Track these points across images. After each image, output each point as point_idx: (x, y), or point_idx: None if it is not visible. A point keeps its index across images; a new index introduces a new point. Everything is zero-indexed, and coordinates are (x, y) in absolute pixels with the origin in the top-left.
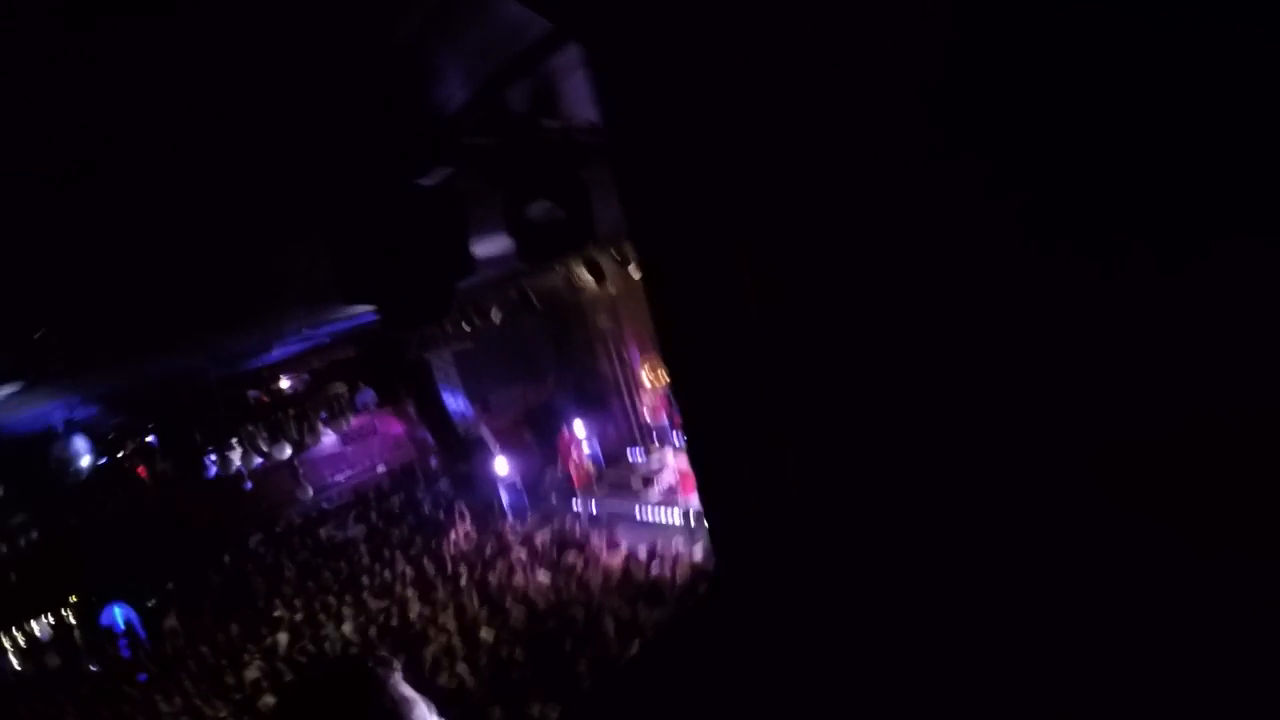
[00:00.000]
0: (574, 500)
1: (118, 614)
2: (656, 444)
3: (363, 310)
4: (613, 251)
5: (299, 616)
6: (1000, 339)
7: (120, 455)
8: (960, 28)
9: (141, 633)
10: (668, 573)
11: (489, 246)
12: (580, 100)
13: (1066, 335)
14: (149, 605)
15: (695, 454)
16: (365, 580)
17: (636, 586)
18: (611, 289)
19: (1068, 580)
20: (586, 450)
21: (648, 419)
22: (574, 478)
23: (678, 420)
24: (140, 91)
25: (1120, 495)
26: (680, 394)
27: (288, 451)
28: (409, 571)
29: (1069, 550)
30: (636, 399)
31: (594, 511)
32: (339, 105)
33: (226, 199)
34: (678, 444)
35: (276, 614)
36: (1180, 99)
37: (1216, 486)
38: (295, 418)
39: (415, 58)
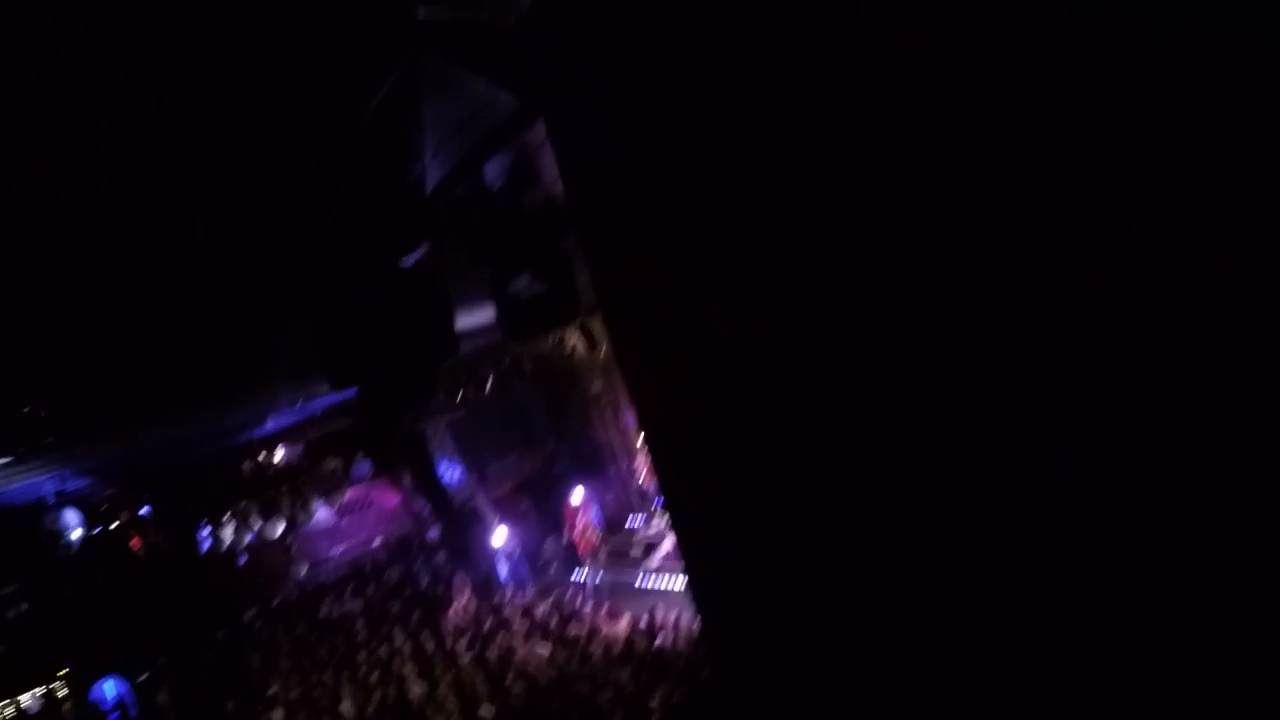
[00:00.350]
0: (574, 570)
1: (109, 688)
2: (656, 510)
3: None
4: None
5: (294, 694)
6: (1006, 341)
7: (113, 526)
8: (963, 29)
9: (133, 709)
10: (670, 643)
11: (478, 317)
12: (553, 169)
13: (1070, 337)
14: (141, 680)
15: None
16: (363, 656)
17: (639, 658)
18: (603, 354)
19: (1072, 582)
20: (591, 517)
21: (646, 484)
22: (579, 546)
23: None
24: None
25: (1124, 497)
26: (658, 462)
27: (280, 529)
28: (407, 647)
29: (1074, 552)
30: (633, 464)
31: (596, 580)
32: (315, 188)
33: (214, 279)
34: None
35: (271, 692)
36: (1182, 100)
37: (1220, 488)
38: (289, 494)
39: (388, 138)
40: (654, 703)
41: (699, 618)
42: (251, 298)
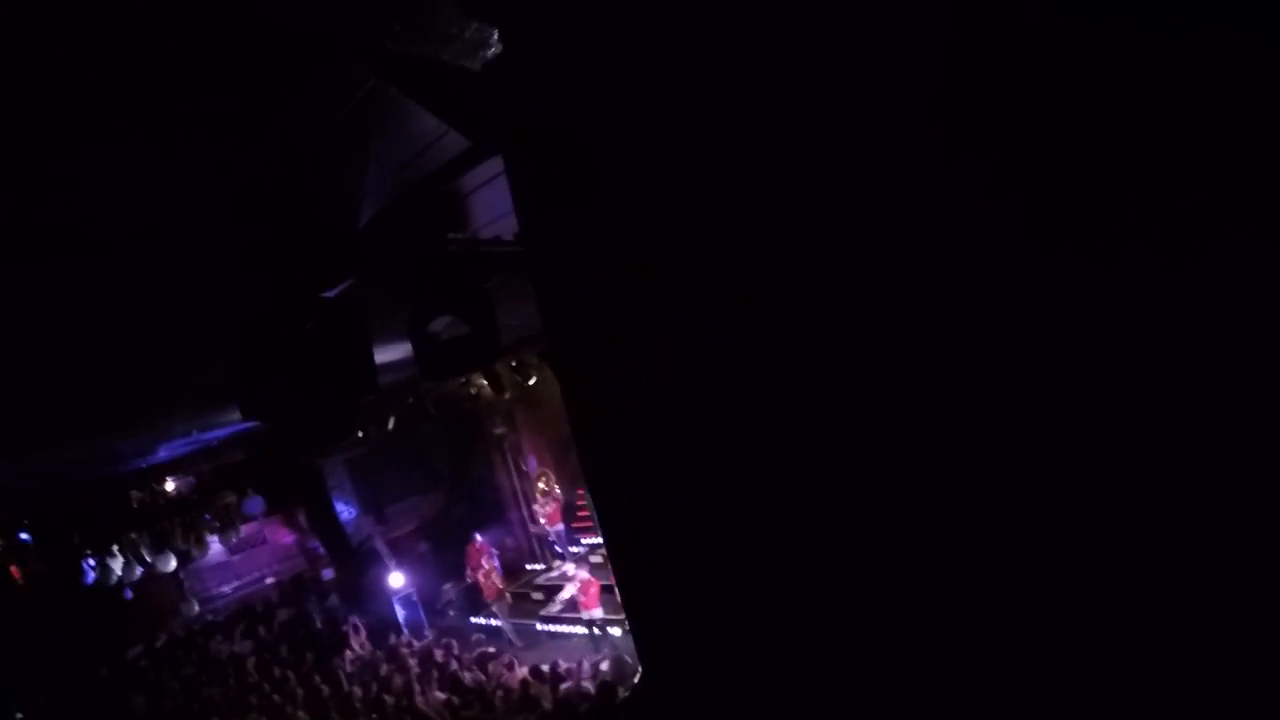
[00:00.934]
0: (473, 614)
1: None
2: (556, 556)
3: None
4: (511, 361)
5: None
6: (999, 341)
7: None
8: (959, 28)
9: None
10: (574, 687)
11: (386, 354)
12: (487, 213)
13: (1065, 337)
14: (16, 718)
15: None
16: (254, 700)
17: (540, 704)
18: (507, 396)
19: (1065, 584)
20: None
21: (546, 530)
22: (484, 589)
23: (577, 530)
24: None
25: (1118, 497)
26: (599, 504)
27: (172, 563)
28: (300, 692)
29: (1067, 554)
30: (534, 509)
31: (497, 624)
32: (244, 213)
33: (121, 296)
34: (576, 554)
35: None
36: (1179, 100)
37: (1215, 488)
38: (183, 526)
39: (329, 169)
40: None
41: (637, 653)
42: (159, 319)
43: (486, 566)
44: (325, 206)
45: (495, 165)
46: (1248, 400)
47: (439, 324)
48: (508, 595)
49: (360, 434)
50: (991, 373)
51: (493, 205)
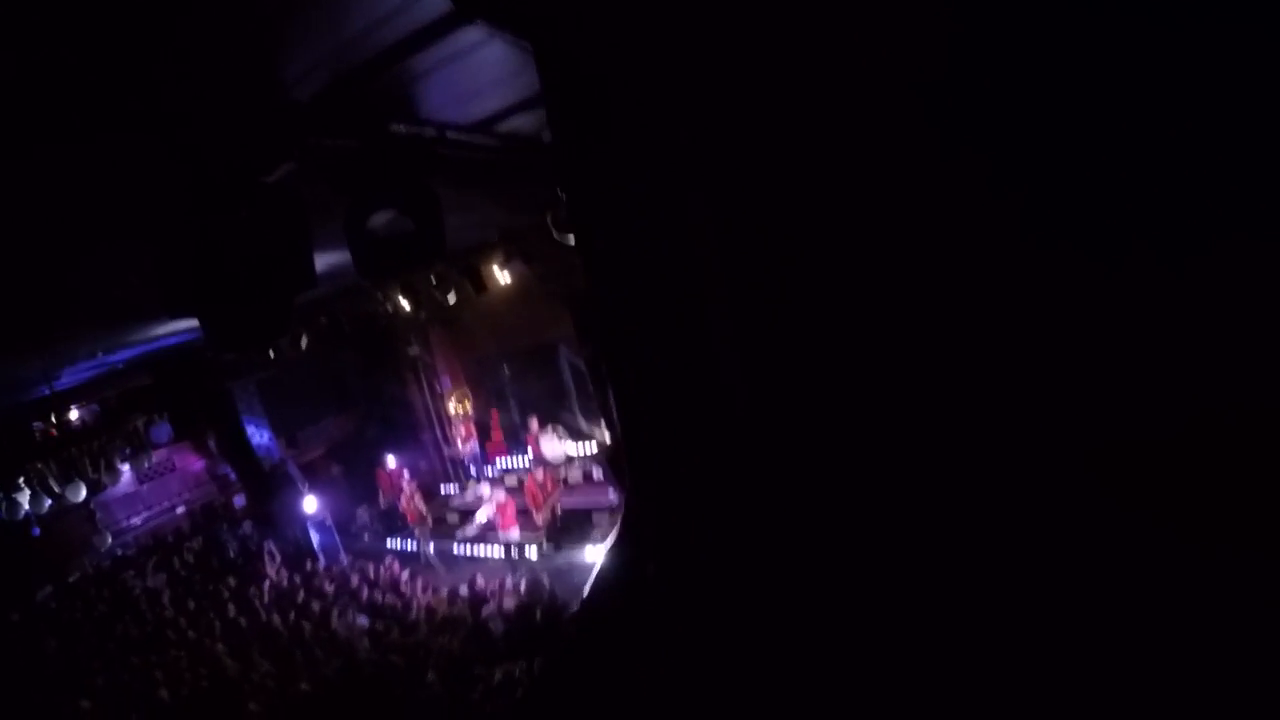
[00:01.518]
0: (388, 538)
1: None
2: (470, 478)
3: (166, 332)
4: (431, 276)
5: (101, 681)
6: (999, 337)
7: None
8: (963, 21)
9: None
10: (493, 609)
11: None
12: (434, 105)
13: (1067, 333)
14: None
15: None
16: (171, 635)
17: (460, 626)
18: (423, 316)
19: (1068, 578)
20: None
21: (461, 452)
22: (407, 514)
23: (491, 452)
24: None
25: (1120, 495)
26: (621, 393)
27: (83, 493)
28: (218, 624)
29: (1069, 548)
30: (449, 431)
31: (426, 548)
32: (168, 68)
33: (15, 199)
34: (491, 477)
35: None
36: (1181, 99)
37: (1216, 486)
38: (91, 454)
39: (270, 32)
40: (495, 673)
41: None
42: (61, 227)
43: (408, 490)
44: (264, 79)
45: (449, 46)
46: (1250, 398)
47: (378, 221)
48: (429, 519)
49: (271, 354)
50: (992, 370)
51: (441, 93)
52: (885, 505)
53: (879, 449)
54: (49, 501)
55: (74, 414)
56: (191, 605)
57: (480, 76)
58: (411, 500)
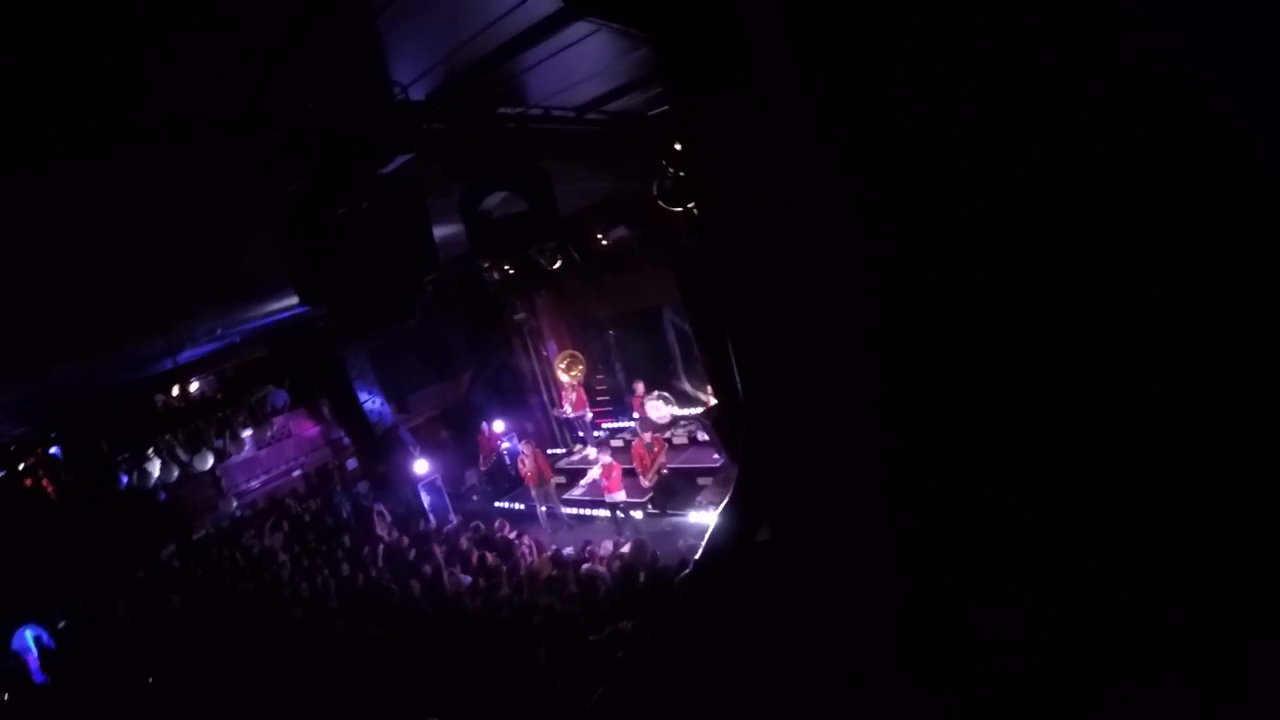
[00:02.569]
0: (497, 500)
1: (29, 636)
2: (578, 440)
3: (280, 307)
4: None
5: (220, 633)
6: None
7: (21, 468)
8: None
9: (55, 655)
10: (595, 568)
11: None
12: (542, 92)
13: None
14: (61, 626)
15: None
16: (287, 593)
17: (565, 586)
18: (528, 281)
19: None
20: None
21: (568, 414)
22: (528, 476)
23: (596, 418)
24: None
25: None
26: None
27: (209, 461)
28: (332, 582)
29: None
30: (555, 395)
31: (520, 507)
32: (289, 90)
33: (143, 194)
34: (598, 439)
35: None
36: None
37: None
38: (216, 425)
39: (384, 41)
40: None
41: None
42: (187, 216)
43: (527, 452)
44: (380, 81)
45: (557, 40)
46: (1251, 397)
47: (492, 201)
48: (551, 481)
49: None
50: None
51: (548, 81)
52: (1010, 489)
53: (1000, 430)
54: (177, 471)
55: (194, 385)
56: (306, 564)
57: (586, 64)
58: (533, 461)
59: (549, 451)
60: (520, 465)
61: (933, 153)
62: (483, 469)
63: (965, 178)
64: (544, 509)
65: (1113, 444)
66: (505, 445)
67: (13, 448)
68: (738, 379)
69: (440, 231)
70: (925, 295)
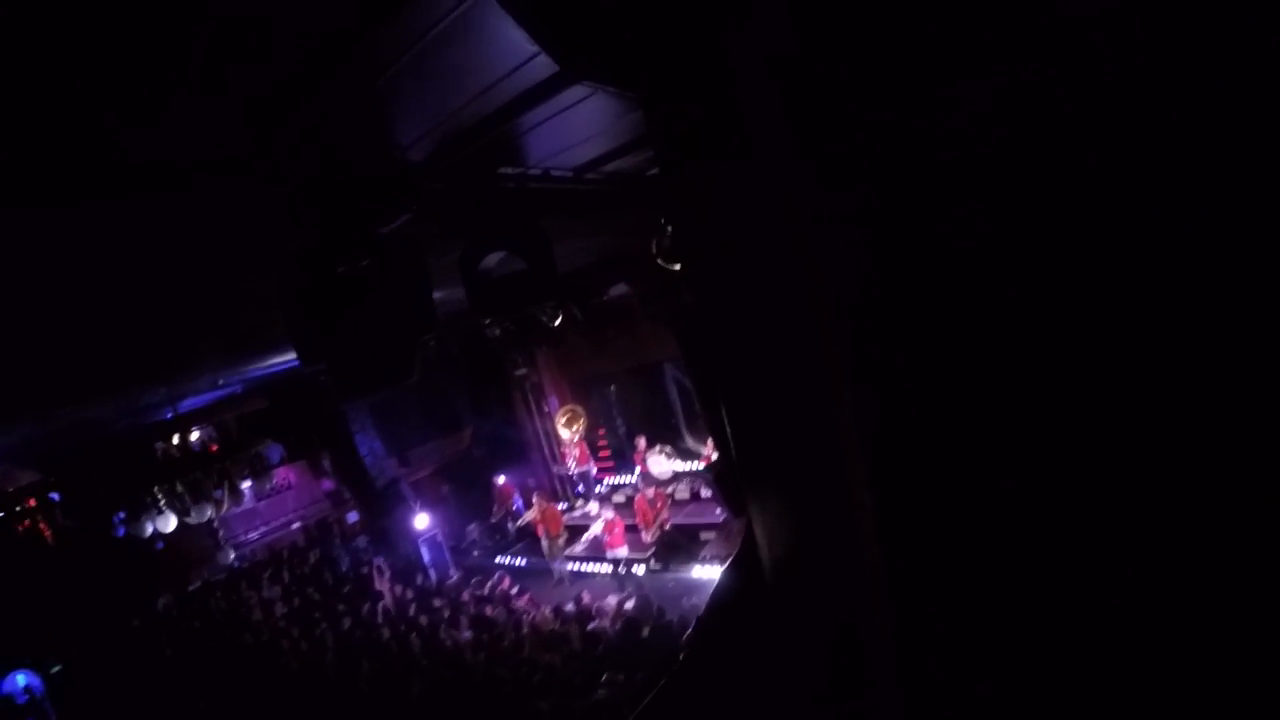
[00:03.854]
0: (498, 555)
1: (20, 681)
2: (578, 495)
3: (283, 360)
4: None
5: (216, 684)
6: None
7: (18, 510)
8: None
9: (46, 702)
10: (600, 625)
11: None
12: (540, 153)
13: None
14: (53, 671)
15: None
16: (285, 645)
17: (568, 642)
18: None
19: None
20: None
21: (571, 469)
22: (538, 528)
23: (598, 473)
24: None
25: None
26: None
27: (208, 513)
28: (329, 636)
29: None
30: (557, 450)
31: (520, 563)
32: (300, 139)
33: (142, 244)
34: (600, 494)
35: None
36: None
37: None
38: (217, 475)
39: (383, 107)
40: (599, 690)
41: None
42: (186, 265)
43: (539, 504)
44: (382, 141)
45: (554, 104)
46: (1252, 397)
47: (490, 261)
48: (563, 534)
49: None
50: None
51: (546, 144)
52: (1009, 533)
53: (995, 473)
54: (174, 521)
55: (194, 435)
56: (304, 617)
57: (583, 127)
58: (544, 516)
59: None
60: (532, 517)
61: (929, 202)
62: (492, 520)
63: (963, 238)
64: (555, 563)
65: (1110, 459)
66: (518, 502)
67: (10, 490)
68: (731, 437)
69: (441, 291)
70: (917, 347)
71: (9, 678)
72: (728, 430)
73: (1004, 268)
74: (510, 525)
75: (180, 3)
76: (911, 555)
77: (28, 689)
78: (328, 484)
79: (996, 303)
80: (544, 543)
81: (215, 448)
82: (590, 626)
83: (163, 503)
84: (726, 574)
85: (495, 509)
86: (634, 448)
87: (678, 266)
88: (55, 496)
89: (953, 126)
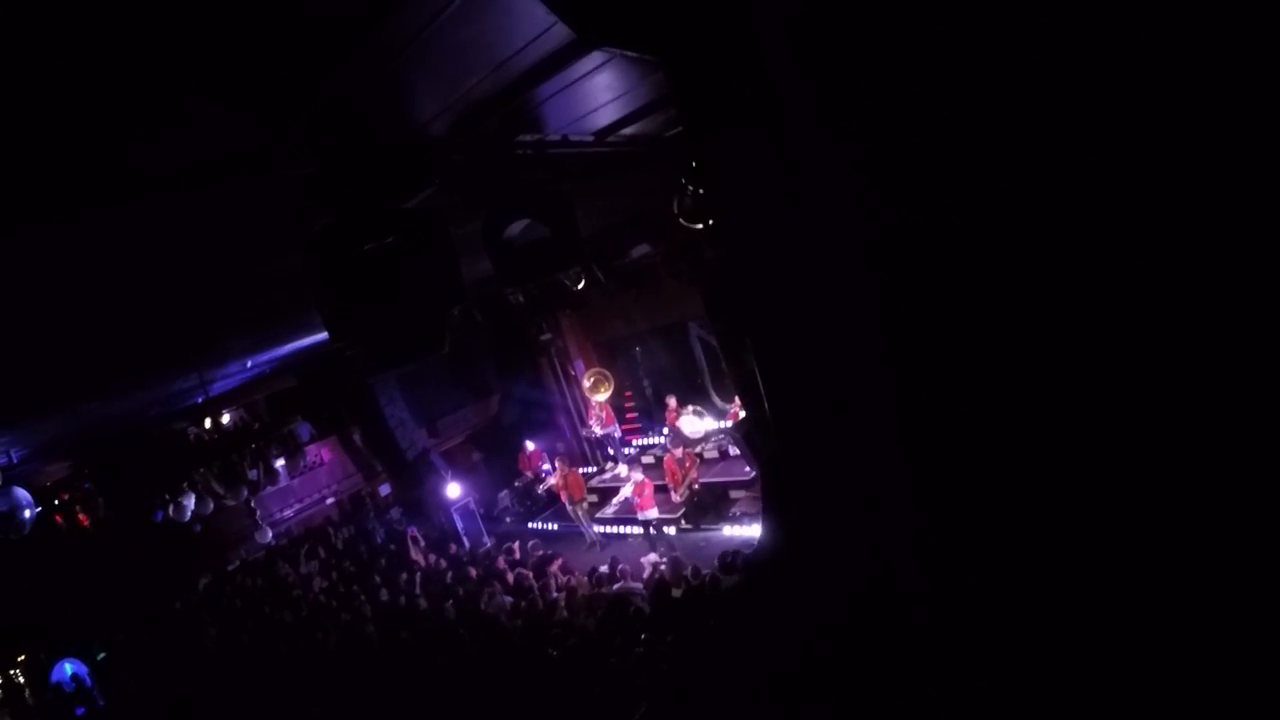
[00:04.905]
0: (530, 521)
1: (68, 670)
2: (608, 458)
3: (311, 337)
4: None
5: (258, 661)
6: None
7: (58, 503)
8: None
9: (94, 689)
10: (628, 586)
11: None
12: (559, 121)
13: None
14: (99, 658)
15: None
16: (325, 619)
17: (600, 604)
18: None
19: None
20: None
21: (597, 433)
22: (561, 494)
23: (625, 435)
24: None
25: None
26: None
27: (244, 495)
28: (368, 607)
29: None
30: (584, 413)
31: (554, 528)
32: (325, 129)
33: (171, 236)
34: (629, 456)
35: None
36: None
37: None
38: (251, 456)
39: (404, 81)
40: (636, 649)
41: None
42: (211, 254)
43: (561, 470)
44: (401, 120)
45: (572, 72)
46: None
47: (515, 229)
48: (586, 499)
49: None
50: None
51: (565, 111)
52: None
53: (1021, 427)
54: (212, 503)
55: (226, 418)
56: (342, 590)
57: (601, 92)
58: (567, 481)
59: (581, 471)
60: (554, 482)
61: (947, 162)
62: (516, 485)
63: (978, 182)
64: (585, 527)
65: (1133, 446)
66: (545, 466)
67: (49, 484)
68: (762, 389)
69: (466, 261)
70: (939, 299)
71: (57, 667)
72: (759, 381)
73: (1027, 215)
74: (540, 490)
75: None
76: (944, 512)
77: (75, 677)
78: (356, 457)
79: (1018, 246)
80: (569, 508)
81: (251, 427)
82: (618, 588)
83: (199, 486)
84: (764, 527)
85: (522, 475)
86: (664, 408)
87: (700, 225)
88: (86, 485)
89: (967, 85)
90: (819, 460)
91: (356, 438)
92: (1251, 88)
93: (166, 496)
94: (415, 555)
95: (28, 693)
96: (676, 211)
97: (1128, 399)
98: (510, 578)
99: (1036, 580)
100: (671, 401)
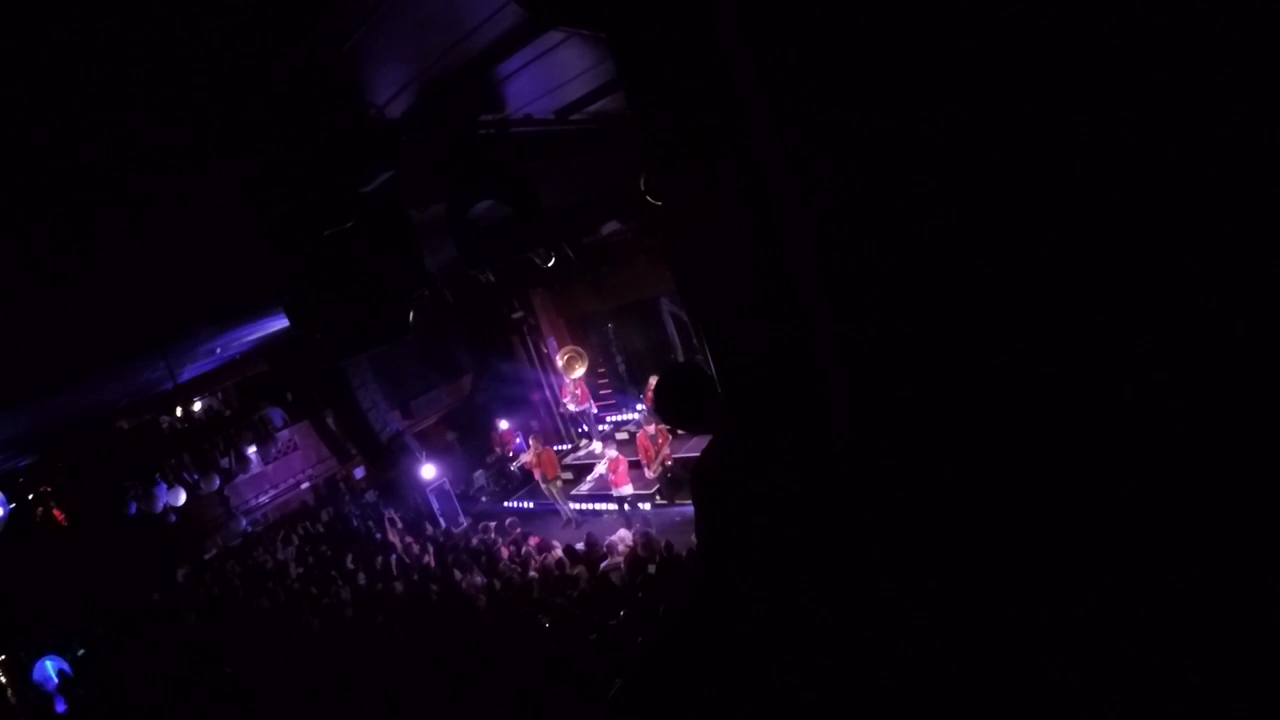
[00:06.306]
0: (505, 500)
1: (49, 667)
2: (582, 435)
3: (277, 322)
4: None
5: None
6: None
7: (30, 498)
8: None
9: (77, 684)
10: (609, 564)
11: None
12: (521, 99)
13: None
14: (80, 654)
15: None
16: (304, 605)
17: (577, 583)
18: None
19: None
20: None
21: (570, 409)
22: (535, 472)
23: (599, 411)
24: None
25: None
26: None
27: (216, 483)
28: (346, 590)
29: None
30: (558, 391)
31: (529, 506)
32: (280, 111)
33: (131, 225)
34: (603, 433)
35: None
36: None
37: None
38: (221, 445)
39: (357, 63)
40: (610, 623)
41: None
42: (173, 241)
43: (537, 449)
44: (357, 101)
45: (530, 50)
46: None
47: (478, 210)
48: (560, 477)
49: None
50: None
51: (526, 89)
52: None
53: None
54: (184, 494)
55: (197, 405)
56: (320, 575)
57: (562, 70)
58: (540, 459)
59: (555, 448)
60: (527, 459)
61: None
62: (489, 461)
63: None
64: (561, 504)
65: (1105, 452)
66: (518, 441)
67: (21, 480)
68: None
69: (431, 244)
70: (894, 283)
71: (37, 665)
72: (712, 366)
73: (984, 207)
74: (513, 468)
75: None
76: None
77: (60, 672)
78: (330, 441)
79: (975, 240)
80: (543, 486)
81: (226, 414)
82: (604, 566)
83: (171, 476)
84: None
85: (497, 450)
86: (644, 387)
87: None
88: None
89: (930, 71)
90: (770, 458)
91: (330, 421)
92: (1252, 87)
93: (137, 488)
94: (392, 537)
95: (9, 691)
96: (644, 189)
97: (1103, 389)
98: (483, 557)
99: (1002, 575)
100: (653, 380)
